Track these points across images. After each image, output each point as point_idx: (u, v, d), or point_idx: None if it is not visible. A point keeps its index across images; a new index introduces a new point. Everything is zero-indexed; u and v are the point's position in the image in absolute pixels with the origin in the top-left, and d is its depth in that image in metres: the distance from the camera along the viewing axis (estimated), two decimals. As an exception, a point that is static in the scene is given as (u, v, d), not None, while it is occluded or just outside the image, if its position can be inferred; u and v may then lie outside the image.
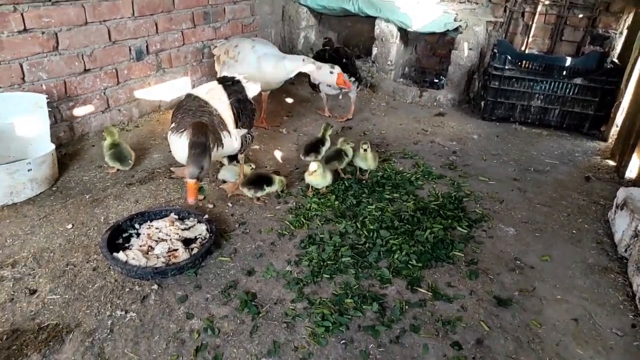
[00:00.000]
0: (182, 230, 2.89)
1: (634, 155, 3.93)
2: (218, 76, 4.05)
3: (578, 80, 4.74)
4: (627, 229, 2.93)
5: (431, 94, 5.65)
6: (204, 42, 5.18)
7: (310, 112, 5.15)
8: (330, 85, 4.60)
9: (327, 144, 3.92)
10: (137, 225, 2.94)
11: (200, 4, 4.98)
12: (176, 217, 3.01)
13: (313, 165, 3.36)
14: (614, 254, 2.98)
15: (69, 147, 3.97)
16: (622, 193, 3.22)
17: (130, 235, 2.88)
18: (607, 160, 4.34)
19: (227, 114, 3.07)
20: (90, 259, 2.71)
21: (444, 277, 2.71)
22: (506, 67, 4.86)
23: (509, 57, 4.86)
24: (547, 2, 5.45)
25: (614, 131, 4.75)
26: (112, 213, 3.14)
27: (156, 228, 2.88)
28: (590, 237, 3.16)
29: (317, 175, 3.36)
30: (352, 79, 4.72)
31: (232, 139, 3.06)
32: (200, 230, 2.92)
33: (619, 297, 2.61)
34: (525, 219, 3.33)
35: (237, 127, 3.15)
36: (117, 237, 2.83)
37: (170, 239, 2.80)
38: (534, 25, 5.59)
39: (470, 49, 5.45)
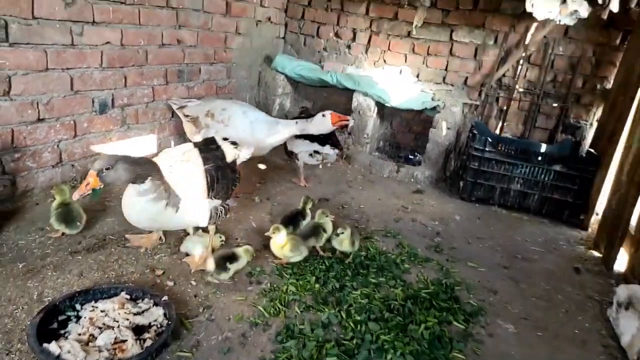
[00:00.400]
0: (134, 314, 2.38)
1: (622, 250, 3.80)
2: (194, 140, 3.73)
3: (557, 167, 4.71)
4: (637, 333, 2.66)
5: (408, 170, 5.49)
6: (174, 100, 4.87)
7: (284, 180, 4.83)
8: (315, 155, 4.55)
9: (308, 218, 3.57)
10: (78, 306, 2.41)
11: (175, 62, 4.73)
12: (127, 297, 2.50)
13: (281, 238, 3.01)
14: (624, 360, 2.69)
15: (7, 204, 3.41)
16: (623, 291, 3.00)
17: (69, 319, 2.34)
18: (592, 251, 4.19)
19: (198, 180, 2.72)
20: (11, 349, 2.14)
21: (446, 385, 2.31)
22: (486, 149, 4.79)
23: (489, 139, 4.81)
24: (521, 90, 5.58)
25: (594, 219, 4.68)
26: (48, 288, 2.59)
27: (102, 311, 2.36)
28: (594, 339, 2.87)
29: (286, 250, 3.00)
30: (335, 149, 4.54)
31: (196, 208, 2.69)
32: (157, 315, 2.42)
33: (643, 417, 2.28)
34: (523, 315, 3.02)
35: (208, 196, 2.79)
36: (52, 320, 2.29)
37: (118, 326, 2.28)
38: (508, 110, 5.67)
39: (448, 128, 5.41)
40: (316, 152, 4.58)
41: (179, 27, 4.63)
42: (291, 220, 3.49)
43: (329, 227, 3.42)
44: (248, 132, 4.02)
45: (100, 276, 2.76)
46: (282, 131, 4.12)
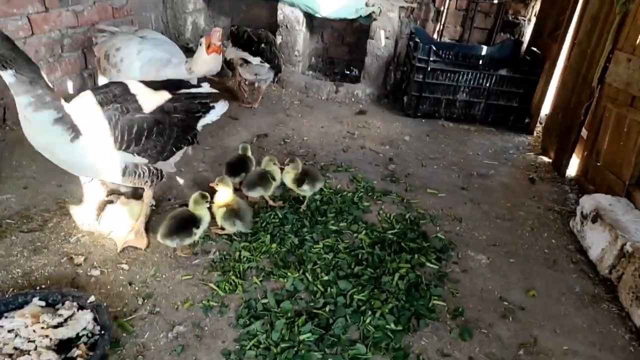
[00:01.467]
0: (54, 327, 1.89)
1: (574, 155, 3.73)
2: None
3: (503, 72, 4.46)
4: (608, 247, 2.59)
5: (348, 89, 5.04)
6: (62, 30, 3.93)
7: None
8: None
9: (253, 163, 3.09)
10: (-27, 329, 1.87)
11: (53, -20, 3.73)
12: (42, 304, 1.99)
13: (226, 194, 2.55)
14: (595, 276, 2.65)
15: None
16: (588, 202, 2.91)
17: (-37, 350, 1.81)
18: (542, 157, 4.13)
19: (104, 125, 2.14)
20: None
21: (433, 341, 2.11)
22: (430, 59, 4.41)
23: (434, 47, 4.41)
24: (458, -13, 5.13)
25: (538, 123, 4.60)
26: None
27: (9, 331, 1.85)
28: (564, 256, 2.81)
29: (219, 215, 2.56)
30: (268, 65, 4.01)
31: (104, 156, 2.20)
32: (84, 321, 1.94)
33: (624, 336, 2.25)
34: (491, 241, 2.87)
35: (124, 149, 2.22)
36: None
37: (36, 348, 1.80)
38: (444, 11, 5.24)
39: (387, 38, 4.93)
40: (245, 61, 4.03)
41: None
42: (237, 168, 2.99)
43: (278, 175, 2.98)
44: (137, 79, 3.00)
45: (1, 278, 2.19)
46: (168, 76, 3.17)
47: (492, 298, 2.41)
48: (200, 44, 3.15)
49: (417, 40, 4.56)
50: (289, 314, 2.13)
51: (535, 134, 4.60)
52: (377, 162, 3.72)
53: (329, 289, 2.30)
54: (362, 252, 2.59)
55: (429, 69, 4.43)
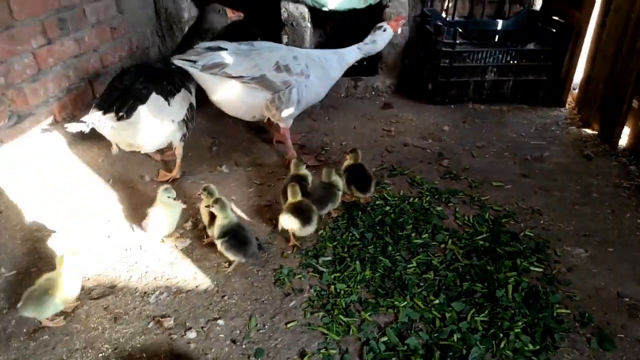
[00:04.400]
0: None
1: (625, 126, 3.62)
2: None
3: (531, 46, 4.31)
4: None
5: (367, 83, 4.82)
6: (66, 61, 3.59)
7: (241, 136, 3.95)
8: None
9: (310, 178, 2.88)
10: None
11: (50, 7, 3.38)
12: (154, 386, 1.75)
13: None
14: (699, 253, 2.54)
15: None
16: (669, 176, 2.79)
17: None
18: (585, 130, 4.00)
19: None
20: None
21: (575, 356, 1.97)
22: (457, 42, 4.21)
23: (459, 30, 4.22)
24: (464, -39, 4.92)
25: (570, 95, 4.49)
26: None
27: None
28: (657, 236, 2.69)
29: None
30: None
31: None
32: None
33: None
34: (581, 231, 2.74)
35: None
36: None
37: None
38: (454, -12, 5.04)
39: (403, 25, 4.68)
40: None
41: (40, -44, 3.22)
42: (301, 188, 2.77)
43: (341, 185, 2.80)
44: (323, 76, 3.40)
45: (92, 359, 1.93)
46: (350, 61, 3.60)
47: (611, 296, 2.28)
48: (385, 30, 3.64)
49: (438, 23, 4.35)
50: (420, 351, 1.95)
51: (567, 106, 4.48)
52: (427, 159, 3.54)
53: (446, 314, 2.13)
54: (461, 265, 2.42)
55: (455, 52, 4.24)
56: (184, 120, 3.05)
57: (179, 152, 3.17)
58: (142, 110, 2.70)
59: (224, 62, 2.98)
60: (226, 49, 3.07)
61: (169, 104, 2.90)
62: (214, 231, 2.38)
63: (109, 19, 4.12)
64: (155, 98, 2.81)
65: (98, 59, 3.97)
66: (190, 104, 3.16)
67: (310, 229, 2.52)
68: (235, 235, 2.34)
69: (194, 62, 2.95)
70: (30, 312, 1.98)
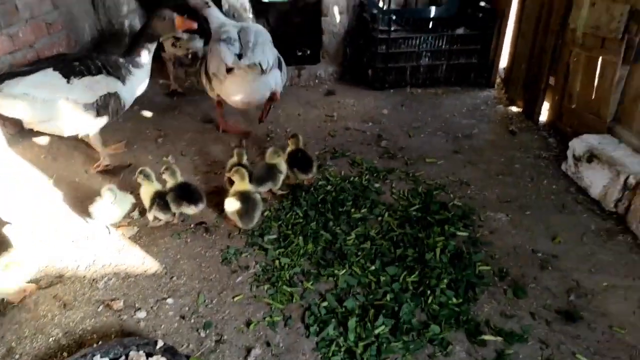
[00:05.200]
0: (130, 382, 1.77)
1: (545, 101, 3.95)
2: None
3: (460, 31, 4.58)
4: (611, 182, 2.80)
5: (310, 71, 4.97)
6: (1, 58, 3.52)
7: (178, 119, 4.01)
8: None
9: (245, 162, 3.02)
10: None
11: (-22, 3, 3.31)
12: (105, 362, 1.84)
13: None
14: (602, 212, 2.86)
15: None
16: (578, 144, 3.11)
17: None
18: (511, 108, 4.33)
19: None
20: None
21: (493, 305, 2.21)
22: (392, 29, 4.43)
23: (394, 17, 4.43)
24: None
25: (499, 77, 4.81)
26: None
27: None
28: (569, 199, 3.01)
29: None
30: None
31: None
32: (158, 369, 1.83)
33: (648, 262, 2.47)
34: (503, 198, 3.02)
35: None
36: None
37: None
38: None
39: (341, 13, 4.87)
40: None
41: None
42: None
43: (283, 167, 2.95)
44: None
45: (44, 344, 1.99)
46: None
47: (526, 252, 2.55)
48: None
49: (374, 11, 4.55)
50: (356, 311, 2.13)
51: (496, 86, 4.80)
52: (367, 141, 3.74)
53: (380, 278, 2.32)
54: (395, 234, 2.63)
55: (391, 39, 4.45)
56: (94, 105, 2.95)
57: (92, 141, 3.18)
58: (22, 80, 2.66)
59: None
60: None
61: (68, 81, 2.81)
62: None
63: (44, 13, 4.05)
64: (46, 72, 2.76)
65: (35, 54, 3.89)
66: (114, 94, 3.03)
67: (250, 223, 2.67)
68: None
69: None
70: None
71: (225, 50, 3.12)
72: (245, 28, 3.36)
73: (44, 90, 2.76)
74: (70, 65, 2.88)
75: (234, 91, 3.23)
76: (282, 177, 2.95)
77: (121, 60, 3.15)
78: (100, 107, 2.99)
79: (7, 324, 2.08)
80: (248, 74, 3.08)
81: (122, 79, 3.11)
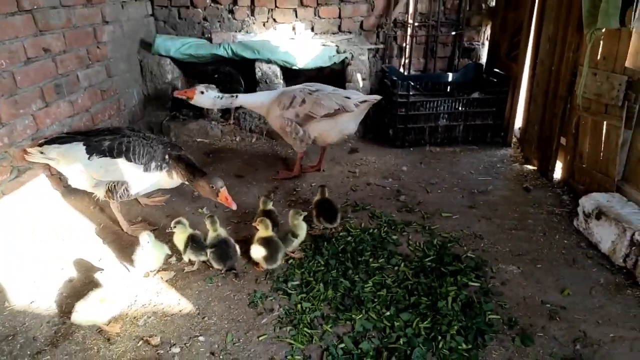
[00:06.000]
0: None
1: (557, 160, 4.15)
2: None
3: (475, 94, 4.90)
4: (618, 239, 2.94)
5: (335, 131, 5.32)
6: (62, 121, 4.02)
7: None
8: None
9: (275, 213, 3.33)
10: None
11: (49, 75, 3.84)
12: (144, 390, 2.06)
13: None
14: (611, 266, 2.98)
15: None
16: (587, 202, 3.27)
17: None
18: (526, 166, 4.53)
19: None
20: None
21: (502, 352, 2.34)
22: (410, 93, 4.79)
23: (411, 83, 4.80)
24: (416, 24, 5.60)
25: (514, 135, 5.05)
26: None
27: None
28: (579, 254, 3.14)
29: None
30: None
31: None
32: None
33: (655, 315, 2.56)
34: (515, 251, 3.17)
35: None
36: None
37: None
38: (407, 47, 5.70)
39: (364, 79, 5.29)
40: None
41: (41, 32, 3.72)
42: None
43: (303, 231, 3.16)
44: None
45: (88, 374, 2.24)
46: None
47: (535, 303, 2.68)
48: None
49: (394, 77, 4.94)
50: (371, 353, 2.30)
51: (512, 145, 5.03)
52: (387, 196, 3.99)
53: (395, 323, 2.50)
54: (410, 283, 2.81)
55: (410, 102, 4.80)
56: (108, 185, 3.22)
57: (112, 209, 3.45)
58: (57, 148, 3.27)
59: None
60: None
61: (89, 158, 3.16)
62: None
63: (100, 82, 4.61)
64: (75, 146, 3.23)
65: (90, 117, 4.42)
66: (124, 182, 3.21)
67: (274, 264, 2.94)
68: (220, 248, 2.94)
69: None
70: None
71: (341, 91, 4.01)
72: (300, 88, 4.21)
73: (68, 159, 3.25)
74: (96, 143, 3.20)
75: (351, 125, 4.07)
76: (296, 242, 3.13)
77: (166, 155, 3.26)
78: (108, 189, 3.25)
79: (58, 355, 2.34)
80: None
81: (147, 168, 3.20)
